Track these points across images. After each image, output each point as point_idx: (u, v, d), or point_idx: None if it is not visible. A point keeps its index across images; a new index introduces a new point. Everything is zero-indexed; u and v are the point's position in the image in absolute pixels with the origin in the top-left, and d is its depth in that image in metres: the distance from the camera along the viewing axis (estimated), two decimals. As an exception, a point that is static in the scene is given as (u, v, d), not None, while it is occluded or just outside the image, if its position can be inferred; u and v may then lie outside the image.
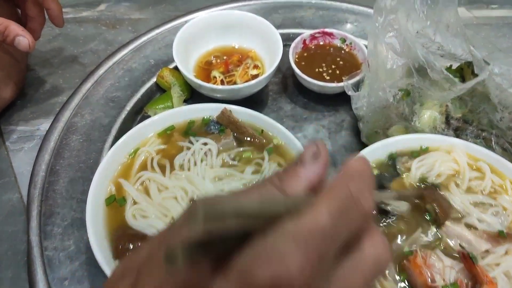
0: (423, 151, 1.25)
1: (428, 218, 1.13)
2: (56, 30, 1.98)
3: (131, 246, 1.04)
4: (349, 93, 1.47)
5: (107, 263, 0.99)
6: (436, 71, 1.08)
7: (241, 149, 1.30)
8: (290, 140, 1.27)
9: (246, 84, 1.49)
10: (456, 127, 1.29)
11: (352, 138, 1.59)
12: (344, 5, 1.95)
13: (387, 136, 1.40)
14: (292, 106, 1.70)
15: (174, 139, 1.31)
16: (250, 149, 1.30)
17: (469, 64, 1.43)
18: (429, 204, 1.12)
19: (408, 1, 1.08)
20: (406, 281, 1.03)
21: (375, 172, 1.22)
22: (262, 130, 1.34)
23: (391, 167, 1.23)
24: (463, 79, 1.43)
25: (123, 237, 1.08)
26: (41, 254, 1.19)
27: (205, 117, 1.36)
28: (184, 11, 2.01)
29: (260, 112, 1.70)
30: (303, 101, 1.71)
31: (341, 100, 1.70)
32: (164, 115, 1.33)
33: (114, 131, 1.54)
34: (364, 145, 1.49)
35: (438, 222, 1.11)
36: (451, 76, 1.07)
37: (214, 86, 1.51)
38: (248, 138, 1.32)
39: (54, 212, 1.30)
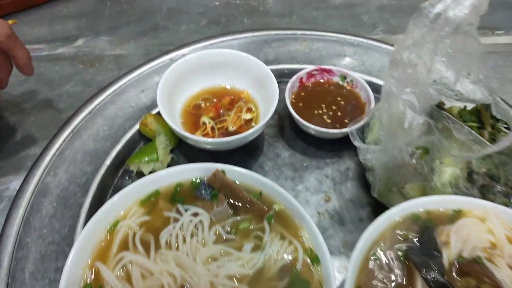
0: (455, 216, 1.10)
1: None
2: (28, 69, 1.81)
3: None
4: (356, 143, 1.31)
5: None
6: (464, 132, 0.93)
7: (238, 218, 1.13)
8: (292, 205, 1.11)
9: (239, 136, 1.33)
10: (481, 184, 1.14)
11: (360, 191, 1.43)
12: (342, 36, 1.80)
13: (402, 195, 1.24)
14: (291, 152, 1.54)
15: (159, 208, 1.14)
16: (247, 217, 1.13)
17: (487, 107, 1.29)
18: (486, 285, 0.97)
19: (427, 52, 0.94)
20: None
21: (403, 247, 1.04)
22: (261, 193, 1.17)
23: (426, 239, 1.06)
24: (480, 122, 1.29)
25: None
26: None
27: (195, 179, 1.20)
28: (168, 45, 1.85)
29: (256, 159, 1.56)
30: (302, 146, 1.55)
31: (344, 144, 1.54)
32: (147, 180, 1.16)
33: (92, 191, 1.37)
34: (375, 200, 1.33)
35: None
36: (481, 138, 0.93)
37: (203, 139, 1.34)
38: (245, 205, 1.15)
39: (22, 298, 1.12)
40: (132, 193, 1.15)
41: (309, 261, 1.04)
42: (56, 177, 1.37)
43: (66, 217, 1.30)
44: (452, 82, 1.04)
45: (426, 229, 1.07)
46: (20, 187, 1.35)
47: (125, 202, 1.14)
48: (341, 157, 1.52)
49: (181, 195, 1.17)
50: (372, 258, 1.03)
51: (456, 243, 1.04)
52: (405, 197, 1.26)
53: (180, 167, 1.20)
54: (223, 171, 1.19)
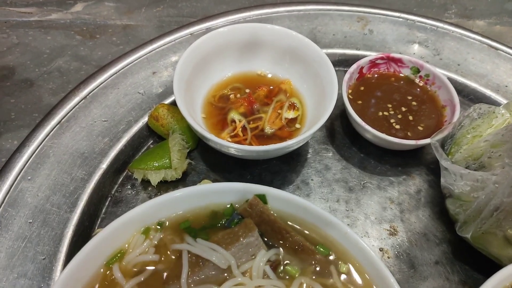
0: None
1: None
2: (13, 37, 1.45)
3: None
4: (444, 163, 0.95)
5: None
6: None
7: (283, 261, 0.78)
8: (374, 265, 0.75)
9: (279, 146, 0.98)
10: None
11: (436, 222, 1.08)
12: (409, 17, 1.42)
13: (507, 240, 0.89)
14: (344, 164, 1.18)
15: (166, 243, 0.79)
16: (296, 263, 0.79)
17: None
18: None
19: None
20: None
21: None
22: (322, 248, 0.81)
23: None
24: None
25: None
26: None
27: (222, 208, 0.84)
28: (190, 17, 1.48)
29: (298, 171, 1.18)
30: (358, 157, 1.19)
31: (414, 157, 1.18)
32: (156, 203, 0.81)
33: (82, 204, 1.03)
34: (456, 236, 0.98)
35: None
36: None
37: (231, 145, 0.99)
38: (294, 248, 0.80)
39: None
40: (138, 219, 0.80)
41: None
42: (33, 182, 1.03)
43: (45, 239, 0.96)
44: None
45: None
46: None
47: (128, 231, 0.80)
48: (409, 174, 1.16)
49: (200, 229, 0.82)
50: None
51: None
52: (511, 243, 0.91)
53: (202, 188, 0.85)
54: (262, 197, 0.83)
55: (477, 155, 0.99)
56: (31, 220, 0.98)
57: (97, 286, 0.75)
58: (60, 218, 0.99)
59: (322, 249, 0.80)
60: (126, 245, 0.80)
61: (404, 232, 1.06)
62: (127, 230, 0.80)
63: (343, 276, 0.78)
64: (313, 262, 0.80)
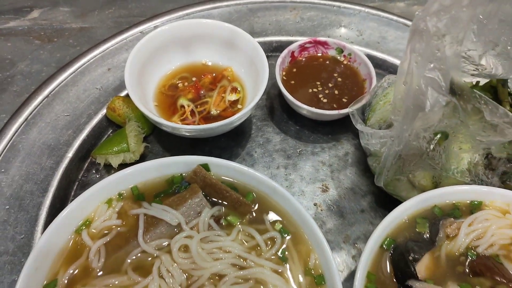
0: (474, 208, 0.96)
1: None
2: (-25, 46, 1.55)
3: None
4: (359, 127, 1.14)
5: None
6: (498, 115, 0.77)
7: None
8: (296, 209, 0.94)
9: (223, 122, 1.14)
10: (502, 171, 1.00)
11: (361, 178, 1.27)
12: (336, 4, 1.60)
13: (411, 183, 1.09)
14: (282, 136, 1.36)
15: (126, 209, 0.95)
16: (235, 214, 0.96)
17: (504, 83, 1.13)
18: (502, 285, 0.84)
19: (461, 19, 0.75)
20: None
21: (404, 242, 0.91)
22: (253, 193, 0.99)
23: (427, 232, 0.93)
24: (497, 100, 1.13)
25: None
26: None
27: (171, 177, 1.01)
28: (139, 16, 1.62)
29: (243, 146, 1.36)
30: (294, 129, 1.37)
31: (341, 126, 1.37)
32: (116, 178, 0.96)
33: (52, 189, 1.17)
34: (378, 188, 1.18)
35: None
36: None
37: (181, 126, 1.15)
38: (232, 205, 0.98)
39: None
40: (100, 193, 0.96)
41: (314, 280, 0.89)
42: (7, 174, 1.16)
43: (22, 221, 1.10)
44: (478, 56, 0.87)
45: (434, 222, 0.94)
46: (-37, 187, 1.13)
47: (93, 203, 0.95)
48: (338, 140, 1.35)
49: (154, 196, 0.98)
50: (384, 248, 0.91)
51: (465, 237, 0.91)
52: (414, 186, 1.11)
53: (154, 162, 1.00)
54: (205, 166, 1.00)
55: (386, 118, 1.18)
56: (8, 207, 1.11)
57: (68, 249, 0.91)
58: (34, 203, 1.13)
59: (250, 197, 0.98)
60: (92, 214, 0.95)
61: (334, 188, 1.25)
62: (92, 202, 0.95)
63: (274, 223, 0.96)
64: (249, 214, 0.97)
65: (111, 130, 1.33)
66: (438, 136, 0.91)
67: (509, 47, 0.91)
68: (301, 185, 1.25)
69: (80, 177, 1.24)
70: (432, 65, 0.77)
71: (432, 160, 0.93)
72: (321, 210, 1.21)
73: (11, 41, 1.59)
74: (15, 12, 1.69)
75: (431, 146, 0.91)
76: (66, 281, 0.86)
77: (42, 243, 0.86)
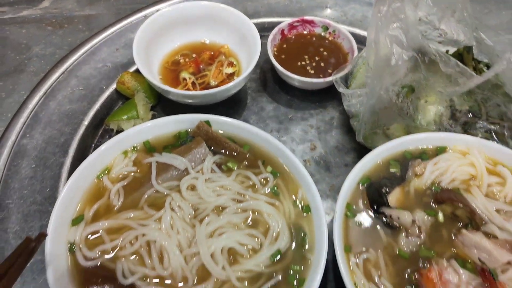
0: (439, 151, 1.12)
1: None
2: (-7, 34, 1.70)
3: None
4: (341, 90, 1.30)
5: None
6: (450, 65, 0.93)
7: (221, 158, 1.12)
8: (283, 153, 1.10)
9: (222, 88, 1.29)
10: (464, 121, 1.16)
11: (345, 137, 1.43)
12: (321, -13, 1.76)
13: (387, 136, 1.25)
14: (275, 105, 1.51)
15: (140, 159, 1.11)
16: (235, 161, 1.12)
17: (469, 50, 1.30)
18: (461, 209, 1.00)
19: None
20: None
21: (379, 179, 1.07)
22: (248, 145, 1.15)
23: (399, 172, 1.09)
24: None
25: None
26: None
27: (180, 131, 1.17)
28: (142, 3, 1.77)
29: (240, 113, 1.52)
30: (286, 99, 1.53)
31: (327, 94, 1.53)
32: (132, 131, 1.12)
33: (72, 151, 1.32)
34: (360, 145, 1.34)
35: (473, 225, 0.99)
36: (468, 70, 0.92)
37: (185, 92, 1.30)
38: (232, 154, 1.13)
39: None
40: (116, 146, 1.12)
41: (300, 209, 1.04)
42: (32, 139, 1.31)
43: (47, 178, 1.25)
44: (437, 20, 1.03)
45: (404, 163, 1.10)
46: (-6, 151, 1.28)
47: (111, 154, 1.11)
48: (325, 107, 1.51)
49: (164, 148, 1.14)
50: (360, 186, 1.07)
51: (431, 174, 1.07)
52: (390, 139, 1.26)
53: (163, 119, 1.16)
54: (207, 122, 1.16)
55: (364, 82, 1.34)
56: (34, 165, 1.27)
57: (92, 191, 1.06)
58: (56, 162, 1.29)
59: (246, 147, 1.14)
60: (111, 163, 1.11)
61: (321, 147, 1.41)
62: (110, 153, 1.11)
63: (266, 166, 1.12)
64: (245, 161, 1.13)
65: (120, 102, 1.49)
66: (405, 89, 1.07)
67: (465, 14, 1.07)
68: (292, 145, 1.41)
69: (95, 142, 1.39)
70: (395, 25, 0.92)
71: (401, 111, 1.09)
72: (310, 165, 1.37)
73: (25, 28, 1.74)
74: (28, 2, 1.84)
75: (400, 99, 1.07)
76: (91, 216, 1.02)
77: (69, 185, 1.01)
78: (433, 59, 0.96)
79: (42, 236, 0.85)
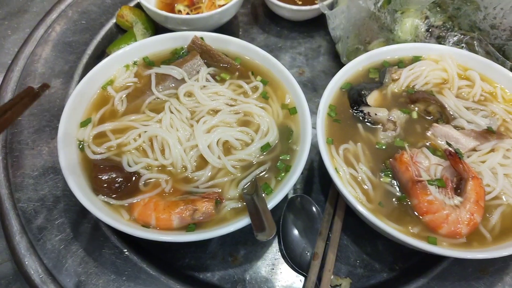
0: (414, 59, 1.22)
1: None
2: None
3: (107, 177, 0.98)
4: (325, 11, 1.39)
5: (89, 200, 0.91)
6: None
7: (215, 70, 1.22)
8: (270, 62, 1.20)
9: (216, 11, 1.39)
10: (438, 35, 1.26)
11: (331, 62, 1.53)
12: None
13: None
14: (265, 36, 1.61)
15: (141, 71, 1.21)
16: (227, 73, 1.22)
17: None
18: (433, 106, 1.11)
19: None
20: (391, 177, 1.02)
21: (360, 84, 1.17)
22: (240, 58, 1.25)
23: (378, 78, 1.19)
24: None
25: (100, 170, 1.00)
26: (13, 206, 1.10)
27: (176, 48, 1.26)
28: None
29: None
30: (276, 30, 1.62)
31: (315, 26, 1.62)
32: (133, 47, 1.22)
33: (76, 77, 1.42)
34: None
35: (443, 120, 1.11)
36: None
37: (182, 16, 1.40)
38: (225, 66, 1.23)
39: (23, 164, 1.19)
40: (118, 59, 1.21)
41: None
42: (39, 64, 1.41)
43: (55, 98, 1.35)
44: None
45: (383, 70, 1.20)
46: (5, 76, 1.38)
47: (113, 67, 1.21)
48: (312, 37, 1.60)
49: (162, 62, 1.24)
50: (343, 89, 1.17)
51: (406, 78, 1.18)
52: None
53: (161, 36, 1.26)
54: (201, 38, 1.26)
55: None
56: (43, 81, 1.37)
57: (97, 99, 1.17)
58: (63, 85, 1.39)
59: (238, 60, 1.24)
60: (114, 76, 1.21)
61: (309, 72, 1.51)
62: (113, 66, 1.21)
63: (256, 76, 1.22)
64: (237, 72, 1.23)
65: (120, 36, 1.58)
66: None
67: None
68: (282, 70, 1.51)
69: (98, 70, 1.49)
70: None
71: (379, 20, 1.18)
72: (299, 87, 1.47)
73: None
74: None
75: (377, 9, 1.16)
76: (97, 119, 1.12)
77: (77, 91, 1.11)
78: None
79: (45, 86, 0.92)
